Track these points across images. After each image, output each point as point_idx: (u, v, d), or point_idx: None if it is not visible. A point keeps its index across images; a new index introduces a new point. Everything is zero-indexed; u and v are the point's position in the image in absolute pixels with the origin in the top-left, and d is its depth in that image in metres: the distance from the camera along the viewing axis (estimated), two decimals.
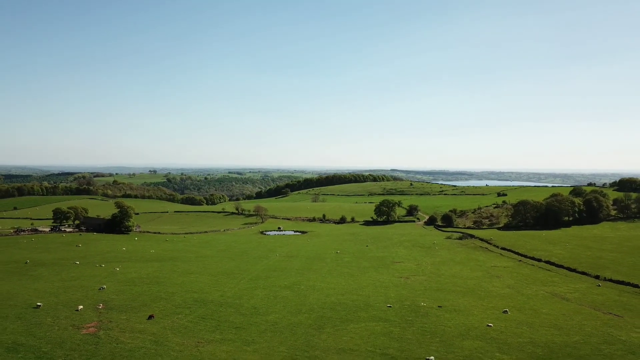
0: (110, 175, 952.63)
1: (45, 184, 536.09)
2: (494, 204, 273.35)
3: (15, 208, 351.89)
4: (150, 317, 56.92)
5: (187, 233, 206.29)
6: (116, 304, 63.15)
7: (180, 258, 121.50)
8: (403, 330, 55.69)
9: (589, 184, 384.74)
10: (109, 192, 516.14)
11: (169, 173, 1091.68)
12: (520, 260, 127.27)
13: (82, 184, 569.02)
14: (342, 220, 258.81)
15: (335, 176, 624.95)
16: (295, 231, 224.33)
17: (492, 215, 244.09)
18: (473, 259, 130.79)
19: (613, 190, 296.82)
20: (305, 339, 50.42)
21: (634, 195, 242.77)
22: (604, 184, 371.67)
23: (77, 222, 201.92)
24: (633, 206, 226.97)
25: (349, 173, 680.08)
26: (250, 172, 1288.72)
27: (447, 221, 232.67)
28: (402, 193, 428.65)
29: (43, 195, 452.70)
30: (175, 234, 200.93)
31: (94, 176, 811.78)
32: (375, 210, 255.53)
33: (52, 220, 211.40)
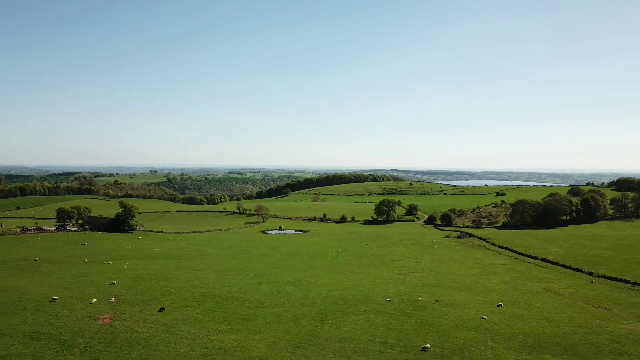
0: (111, 175, 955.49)
1: (47, 184, 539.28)
2: (492, 204, 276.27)
3: (18, 208, 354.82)
4: (162, 309, 59.93)
5: (189, 232, 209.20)
6: (127, 298, 66.15)
7: (184, 256, 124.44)
8: (401, 321, 58.64)
9: (588, 184, 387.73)
10: (111, 192, 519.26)
11: (170, 173, 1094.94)
12: (517, 258, 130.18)
13: (83, 184, 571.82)
14: (343, 220, 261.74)
15: (336, 176, 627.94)
16: (296, 230, 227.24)
17: (490, 215, 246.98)
18: (471, 256, 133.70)
19: (611, 189, 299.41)
20: (309, 329, 53.38)
21: (630, 194, 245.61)
22: (602, 184, 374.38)
23: (80, 221, 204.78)
24: (630, 205, 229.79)
25: (349, 173, 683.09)
26: (250, 172, 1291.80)
27: (446, 220, 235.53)
28: (401, 193, 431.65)
29: (45, 195, 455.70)
30: (178, 233, 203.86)
31: (95, 176, 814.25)
32: (375, 209, 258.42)
33: (56, 220, 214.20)
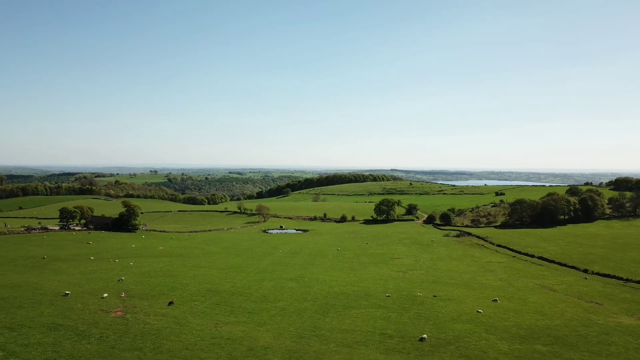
0: (112, 175, 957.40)
1: (48, 184, 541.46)
2: (491, 203, 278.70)
3: (20, 208, 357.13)
4: (170, 303, 62.55)
5: (191, 231, 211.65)
6: (137, 293, 68.76)
7: (188, 254, 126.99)
8: (400, 315, 61.22)
9: (586, 184, 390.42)
10: (112, 192, 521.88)
11: (170, 173, 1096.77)
12: (514, 257, 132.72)
13: (84, 184, 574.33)
14: (343, 219, 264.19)
15: (336, 176, 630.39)
16: (297, 230, 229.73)
17: (489, 214, 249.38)
18: (469, 255, 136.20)
19: (609, 189, 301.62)
20: (312, 322, 55.99)
21: (628, 194, 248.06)
22: (601, 183, 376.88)
23: (83, 221, 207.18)
24: (627, 205, 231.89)
25: (349, 173, 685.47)
26: (250, 172, 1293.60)
27: (445, 220, 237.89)
28: (401, 192, 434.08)
29: (47, 195, 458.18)
30: (180, 232, 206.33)
31: (95, 176, 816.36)
32: (375, 209, 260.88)
33: (59, 220, 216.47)
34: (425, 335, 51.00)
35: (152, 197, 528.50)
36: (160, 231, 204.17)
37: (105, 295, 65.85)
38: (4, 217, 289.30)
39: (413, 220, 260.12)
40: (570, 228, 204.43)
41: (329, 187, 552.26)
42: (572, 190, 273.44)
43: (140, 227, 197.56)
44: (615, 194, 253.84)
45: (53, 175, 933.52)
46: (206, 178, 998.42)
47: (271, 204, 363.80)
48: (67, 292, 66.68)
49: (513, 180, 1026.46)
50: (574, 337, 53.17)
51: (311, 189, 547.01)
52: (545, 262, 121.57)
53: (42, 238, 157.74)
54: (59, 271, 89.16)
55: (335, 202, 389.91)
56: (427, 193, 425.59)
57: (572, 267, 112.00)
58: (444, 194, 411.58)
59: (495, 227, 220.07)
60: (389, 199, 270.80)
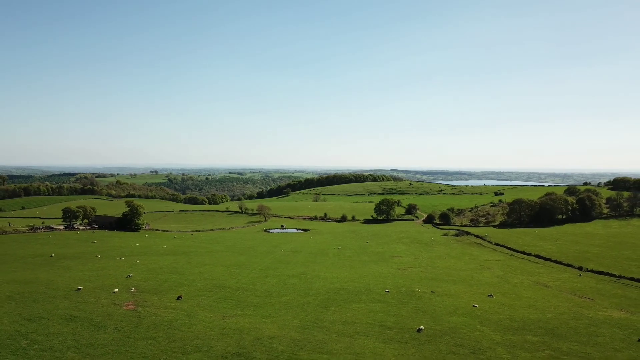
0: (112, 175, 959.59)
1: (48, 184, 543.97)
2: (490, 203, 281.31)
3: (23, 207, 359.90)
4: (179, 297, 65.30)
5: (194, 231, 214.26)
6: (146, 288, 71.50)
7: (191, 252, 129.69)
8: (398, 309, 63.94)
9: (585, 183, 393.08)
10: (113, 192, 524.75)
11: (170, 173, 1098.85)
12: (511, 255, 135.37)
13: (85, 184, 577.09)
14: (343, 219, 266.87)
15: (336, 176, 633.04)
16: (297, 229, 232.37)
17: (488, 214, 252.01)
18: (467, 253, 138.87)
19: (607, 189, 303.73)
20: (314, 315, 58.73)
21: (625, 193, 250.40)
22: (599, 183, 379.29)
23: (85, 220, 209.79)
24: (625, 204, 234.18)
25: (349, 173, 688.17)
26: (250, 172, 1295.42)
27: (444, 219, 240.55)
28: (401, 192, 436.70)
29: (49, 195, 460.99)
30: (183, 231, 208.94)
31: (96, 176, 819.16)
32: (375, 209, 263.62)
33: (62, 219, 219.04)
34: (422, 327, 53.78)
35: (153, 197, 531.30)
36: (163, 230, 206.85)
37: (116, 290, 68.60)
38: (7, 217, 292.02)
39: (413, 219, 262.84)
40: (568, 227, 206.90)
41: (329, 187, 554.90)
42: (570, 190, 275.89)
43: (144, 226, 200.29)
44: (613, 193, 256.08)
45: (54, 175, 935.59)
46: (206, 178, 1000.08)
47: (272, 203, 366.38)
48: (79, 287, 69.47)
49: (513, 180, 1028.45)
50: (564, 329, 55.89)
51: (311, 189, 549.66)
52: (541, 260, 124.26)
53: (48, 237, 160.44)
54: (68, 268, 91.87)
55: (335, 202, 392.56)
56: (426, 193, 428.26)
57: (568, 264, 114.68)
58: (443, 193, 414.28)
59: (494, 226, 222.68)
60: (389, 199, 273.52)
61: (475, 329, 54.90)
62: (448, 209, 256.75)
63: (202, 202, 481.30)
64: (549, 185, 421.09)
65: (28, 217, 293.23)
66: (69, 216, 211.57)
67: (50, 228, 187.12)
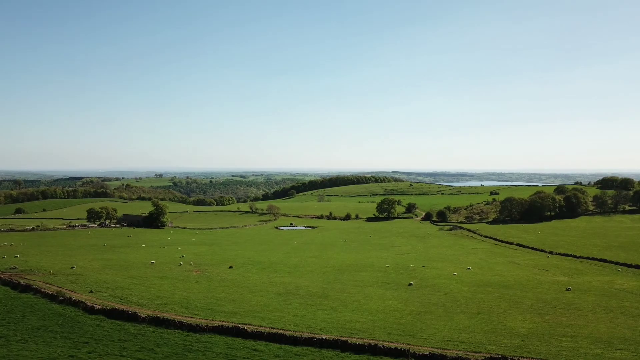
0: (117, 179, 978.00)
1: (57, 188, 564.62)
2: (484, 202, 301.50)
3: (44, 210, 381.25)
4: (230, 267, 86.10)
5: (211, 228, 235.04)
6: (201, 263, 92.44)
7: (219, 243, 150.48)
8: (396, 275, 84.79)
9: (576, 183, 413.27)
10: (124, 195, 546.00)
11: (175, 177, 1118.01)
12: (496, 244, 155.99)
13: (96, 187, 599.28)
14: (347, 217, 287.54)
15: (339, 178, 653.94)
16: (306, 226, 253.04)
17: (482, 211, 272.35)
18: (458, 244, 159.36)
19: (596, 188, 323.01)
20: (334, 276, 79.85)
21: (610, 192, 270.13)
22: (589, 183, 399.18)
23: (107, 220, 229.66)
24: (609, 202, 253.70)
25: (351, 175, 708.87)
26: (253, 175, 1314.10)
27: (441, 217, 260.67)
28: (402, 193, 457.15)
29: (65, 198, 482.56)
30: (202, 229, 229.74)
31: (102, 180, 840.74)
32: (377, 207, 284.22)
33: (87, 220, 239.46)
34: (412, 282, 74.73)
35: (163, 199, 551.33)
36: (184, 228, 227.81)
37: (181, 263, 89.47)
38: (32, 218, 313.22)
39: (412, 217, 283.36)
40: (554, 223, 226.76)
41: (332, 188, 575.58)
42: (560, 189, 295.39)
43: (168, 224, 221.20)
44: (599, 192, 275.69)
45: (60, 179, 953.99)
46: (210, 181, 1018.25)
47: (279, 204, 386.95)
48: (152, 261, 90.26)
49: (514, 181, 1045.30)
50: (516, 285, 76.62)
51: (315, 191, 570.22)
52: (520, 248, 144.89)
53: (88, 232, 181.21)
54: (127, 253, 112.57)
55: (339, 202, 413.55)
56: (426, 193, 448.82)
57: (541, 250, 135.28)
58: (442, 194, 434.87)
59: (487, 223, 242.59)
60: (390, 199, 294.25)
61: (451, 284, 75.70)
62: (445, 207, 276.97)
63: (210, 204, 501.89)
64: (542, 185, 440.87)
65: (52, 218, 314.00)
66: (93, 216, 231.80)
67: (85, 226, 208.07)
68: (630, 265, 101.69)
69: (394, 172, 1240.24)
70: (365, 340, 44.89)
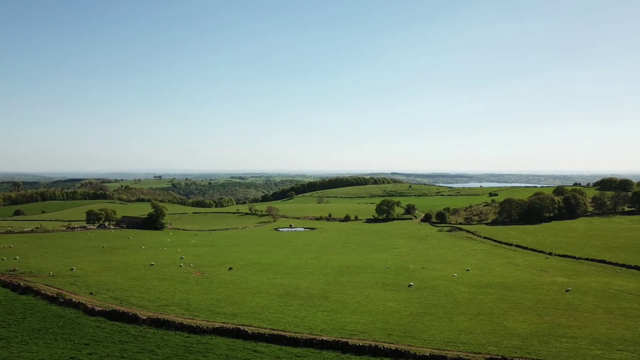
0: (116, 181, 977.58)
1: (56, 190, 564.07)
2: (484, 203, 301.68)
3: (43, 211, 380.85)
4: (230, 268, 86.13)
5: (211, 230, 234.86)
6: (201, 264, 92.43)
7: (219, 244, 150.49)
8: (396, 276, 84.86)
9: (575, 184, 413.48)
10: (124, 196, 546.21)
11: (174, 178, 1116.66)
12: (495, 245, 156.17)
13: (95, 189, 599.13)
14: (347, 219, 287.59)
15: (338, 179, 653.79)
16: (305, 228, 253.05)
17: (481, 213, 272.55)
18: (458, 245, 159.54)
19: (595, 189, 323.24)
20: (334, 278, 79.85)
21: (609, 193, 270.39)
22: (588, 184, 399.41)
23: (107, 222, 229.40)
24: (608, 203, 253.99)
25: (351, 176, 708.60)
26: (252, 176, 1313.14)
27: (440, 218, 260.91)
28: (401, 194, 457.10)
29: (64, 200, 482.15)
30: (201, 230, 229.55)
31: (101, 182, 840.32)
32: (376, 209, 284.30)
33: (86, 221, 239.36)
34: (412, 283, 74.79)
35: (162, 201, 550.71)
36: (184, 229, 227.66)
37: (181, 265, 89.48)
38: (31, 219, 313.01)
39: (411, 219, 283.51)
40: (553, 224, 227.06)
41: (331, 190, 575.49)
42: (559, 190, 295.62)
43: (167, 225, 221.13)
44: (598, 193, 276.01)
45: (59, 181, 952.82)
46: (209, 183, 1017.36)
47: (278, 206, 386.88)
48: (152, 263, 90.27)
49: (513, 182, 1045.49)
50: (517, 286, 76.69)
51: (314, 192, 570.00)
52: (520, 249, 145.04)
53: (87, 234, 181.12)
54: (127, 255, 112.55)
55: (338, 203, 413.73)
56: (425, 195, 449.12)
57: (541, 251, 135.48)
58: (441, 195, 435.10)
59: (486, 224, 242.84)
60: (389, 200, 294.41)
61: (451, 285, 75.79)
62: (444, 209, 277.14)
63: (209, 206, 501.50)
64: (541, 186, 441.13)
65: (51, 220, 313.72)
66: (92, 218, 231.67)
67: (84, 227, 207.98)
68: (629, 266, 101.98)
69: (393, 173, 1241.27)
70: (365, 342, 44.96)
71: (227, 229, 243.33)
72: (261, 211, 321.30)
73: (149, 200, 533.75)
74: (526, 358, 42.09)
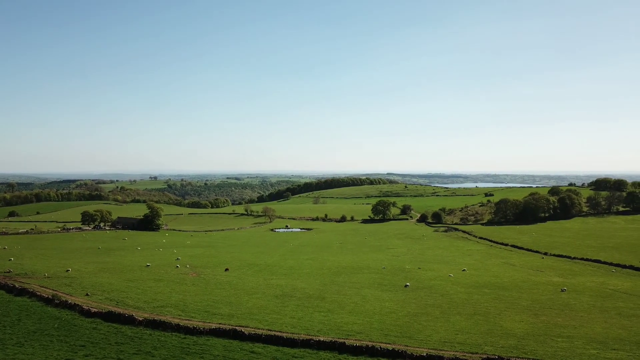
0: (112, 182, 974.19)
1: (52, 191, 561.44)
2: (479, 203, 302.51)
3: (38, 212, 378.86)
4: (226, 269, 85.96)
5: (207, 230, 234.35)
6: (197, 265, 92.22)
7: (215, 245, 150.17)
8: (392, 276, 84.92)
9: (570, 184, 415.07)
10: (119, 197, 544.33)
11: (170, 179, 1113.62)
12: (491, 246, 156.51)
13: (91, 190, 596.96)
14: (343, 219, 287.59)
15: (334, 180, 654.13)
16: (301, 228, 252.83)
17: (477, 213, 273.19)
18: (454, 245, 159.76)
19: (590, 189, 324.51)
20: (330, 279, 79.83)
21: (603, 193, 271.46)
22: (583, 184, 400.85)
23: (102, 223, 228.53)
24: (603, 203, 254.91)
25: (347, 177, 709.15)
26: (247, 177, 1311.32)
27: (436, 218, 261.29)
28: (397, 195, 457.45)
29: (58, 201, 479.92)
30: (197, 231, 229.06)
31: (96, 183, 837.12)
32: (372, 209, 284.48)
33: (81, 222, 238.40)
34: (408, 284, 74.91)
35: (157, 202, 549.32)
36: (180, 230, 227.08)
37: (177, 266, 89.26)
38: (26, 221, 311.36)
39: (407, 219, 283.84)
40: (549, 224, 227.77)
41: (327, 190, 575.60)
42: (554, 190, 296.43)
43: (163, 226, 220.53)
44: (593, 193, 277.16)
45: (54, 182, 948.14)
46: (205, 183, 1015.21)
47: (274, 206, 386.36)
48: (148, 264, 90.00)
49: (508, 182, 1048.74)
50: (512, 286, 76.93)
51: (311, 193, 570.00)
52: (515, 249, 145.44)
53: (82, 235, 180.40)
54: (123, 256, 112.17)
55: (334, 204, 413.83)
56: (421, 195, 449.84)
57: (536, 251, 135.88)
58: (437, 195, 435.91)
59: (482, 224, 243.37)
60: (385, 201, 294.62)
61: (447, 286, 75.94)
62: (440, 209, 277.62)
63: (205, 206, 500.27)
64: (536, 187, 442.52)
65: (46, 222, 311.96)
66: (87, 219, 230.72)
67: (79, 229, 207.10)
68: (624, 266, 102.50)
69: (389, 173, 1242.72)
70: (362, 342, 45.00)
71: (223, 230, 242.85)
72: (257, 212, 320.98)
73: (144, 201, 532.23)
74: (522, 358, 42.23)
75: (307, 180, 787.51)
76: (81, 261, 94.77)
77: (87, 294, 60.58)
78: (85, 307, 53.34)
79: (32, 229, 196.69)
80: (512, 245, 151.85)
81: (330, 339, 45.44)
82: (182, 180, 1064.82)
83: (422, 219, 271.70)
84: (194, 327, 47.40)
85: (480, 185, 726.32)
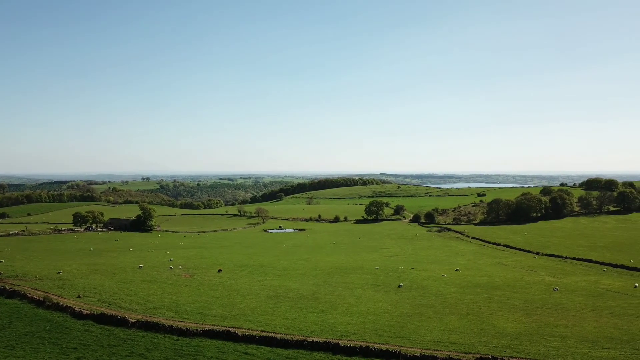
0: (103, 183, 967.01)
1: (42, 192, 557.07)
2: (472, 203, 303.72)
3: (29, 214, 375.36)
4: (219, 270, 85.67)
5: (200, 231, 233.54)
6: (190, 267, 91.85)
7: (207, 246, 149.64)
8: (385, 277, 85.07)
9: (561, 184, 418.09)
10: (111, 198, 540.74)
11: (162, 180, 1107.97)
12: (484, 245, 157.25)
13: (82, 191, 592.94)
14: (336, 220, 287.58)
15: (327, 180, 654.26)
16: (295, 229, 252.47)
17: (470, 213, 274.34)
18: (447, 245, 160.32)
19: (581, 189, 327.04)
20: (324, 279, 79.82)
21: (594, 193, 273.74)
22: (574, 184, 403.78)
23: (94, 224, 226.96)
24: (594, 203, 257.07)
25: (340, 177, 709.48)
26: (240, 178, 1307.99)
27: (429, 218, 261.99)
28: (390, 195, 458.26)
29: (50, 202, 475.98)
30: (190, 232, 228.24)
31: (88, 184, 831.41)
32: (365, 210, 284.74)
33: (72, 224, 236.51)
34: (401, 284, 75.06)
35: (150, 202, 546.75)
36: (172, 231, 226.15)
37: (170, 267, 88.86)
38: (17, 222, 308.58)
39: (400, 219, 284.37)
40: (540, 224, 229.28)
41: (321, 191, 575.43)
42: (545, 190, 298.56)
43: (155, 227, 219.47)
44: (584, 193, 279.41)
45: (45, 183, 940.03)
46: (198, 184, 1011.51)
47: (267, 207, 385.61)
48: (140, 265, 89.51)
49: (500, 182, 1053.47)
50: (504, 286, 77.37)
51: (304, 193, 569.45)
52: (508, 249, 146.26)
53: (74, 237, 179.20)
54: (116, 257, 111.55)
55: (328, 204, 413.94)
56: (414, 195, 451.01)
57: (528, 251, 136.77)
58: (429, 195, 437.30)
59: (475, 224, 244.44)
60: (378, 201, 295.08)
61: (440, 286, 76.21)
62: (433, 209, 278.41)
63: (198, 207, 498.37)
64: (528, 187, 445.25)
65: (37, 223, 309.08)
66: (79, 220, 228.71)
67: (71, 230, 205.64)
68: (615, 265, 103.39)
69: (382, 174, 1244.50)
70: (356, 343, 45.02)
71: (216, 231, 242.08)
72: (250, 212, 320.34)
73: (137, 202, 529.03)
74: (515, 357, 42.45)
75: (301, 181, 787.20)
76: (73, 263, 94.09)
77: (79, 296, 60.13)
78: (77, 309, 52.94)
79: (23, 231, 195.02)
80: (505, 245, 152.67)
81: (324, 339, 45.42)
82: (174, 181, 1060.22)
83: (415, 219, 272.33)
84: (187, 328, 47.19)
85: (473, 185, 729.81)
